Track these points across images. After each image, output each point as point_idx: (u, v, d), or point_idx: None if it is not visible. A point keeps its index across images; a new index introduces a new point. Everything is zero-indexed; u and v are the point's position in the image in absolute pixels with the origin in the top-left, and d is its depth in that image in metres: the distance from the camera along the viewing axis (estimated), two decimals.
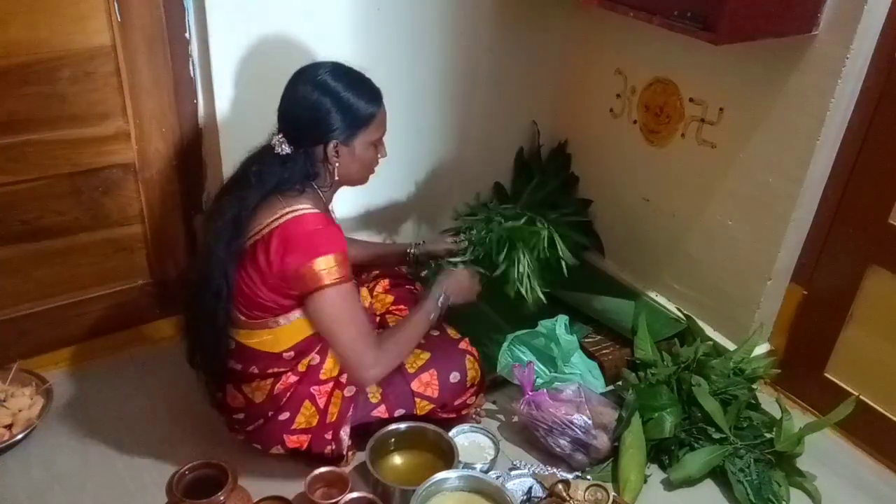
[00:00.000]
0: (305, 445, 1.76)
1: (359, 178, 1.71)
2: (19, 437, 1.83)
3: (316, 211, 1.58)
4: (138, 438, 1.91)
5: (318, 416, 1.73)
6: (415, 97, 2.24)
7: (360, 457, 1.81)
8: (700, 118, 2.12)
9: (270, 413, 1.71)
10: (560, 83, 2.54)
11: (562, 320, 2.05)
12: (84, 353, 2.14)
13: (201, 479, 1.55)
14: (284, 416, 1.72)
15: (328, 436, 1.75)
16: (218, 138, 2.01)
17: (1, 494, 1.74)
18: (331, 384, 1.74)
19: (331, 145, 1.58)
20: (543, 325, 2.05)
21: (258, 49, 1.95)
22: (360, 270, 2.04)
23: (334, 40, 2.05)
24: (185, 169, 2.09)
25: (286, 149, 1.58)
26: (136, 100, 1.93)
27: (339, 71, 1.59)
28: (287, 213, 1.55)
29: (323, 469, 1.72)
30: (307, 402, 1.72)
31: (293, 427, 1.73)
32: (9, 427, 1.86)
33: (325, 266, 1.54)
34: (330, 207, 1.73)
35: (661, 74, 2.21)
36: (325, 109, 1.55)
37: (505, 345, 2.05)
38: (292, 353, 1.68)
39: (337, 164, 1.61)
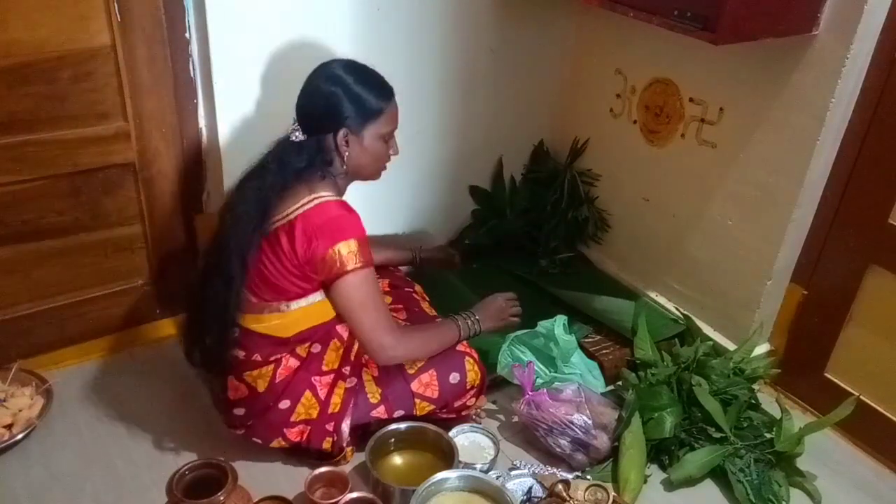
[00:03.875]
0: (305, 437, 1.77)
1: (369, 172, 1.76)
2: (19, 437, 1.83)
3: (337, 198, 1.66)
4: (138, 438, 1.91)
5: (318, 407, 1.75)
6: (415, 97, 2.23)
7: (360, 457, 1.81)
8: (700, 118, 2.12)
9: (271, 403, 1.73)
10: (560, 83, 2.54)
11: (560, 320, 2.04)
12: (84, 353, 2.14)
13: (201, 479, 1.55)
14: (285, 404, 1.73)
15: (329, 427, 1.77)
16: (218, 138, 2.01)
17: (1, 494, 1.74)
18: (332, 376, 1.77)
19: (340, 133, 1.64)
20: (543, 325, 2.05)
21: (258, 49, 1.95)
22: None
23: (334, 40, 2.05)
24: (185, 169, 2.09)
25: (300, 136, 1.65)
26: (136, 100, 1.93)
27: (352, 66, 1.68)
28: (311, 200, 1.62)
29: (323, 469, 1.73)
30: (308, 393, 1.74)
31: (293, 418, 1.74)
32: (9, 427, 1.86)
33: (347, 251, 1.61)
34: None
35: (661, 74, 2.21)
36: (336, 99, 1.62)
37: (505, 345, 2.05)
38: (297, 340, 1.73)
39: (346, 153, 1.66)
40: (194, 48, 1.95)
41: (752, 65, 1.95)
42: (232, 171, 2.06)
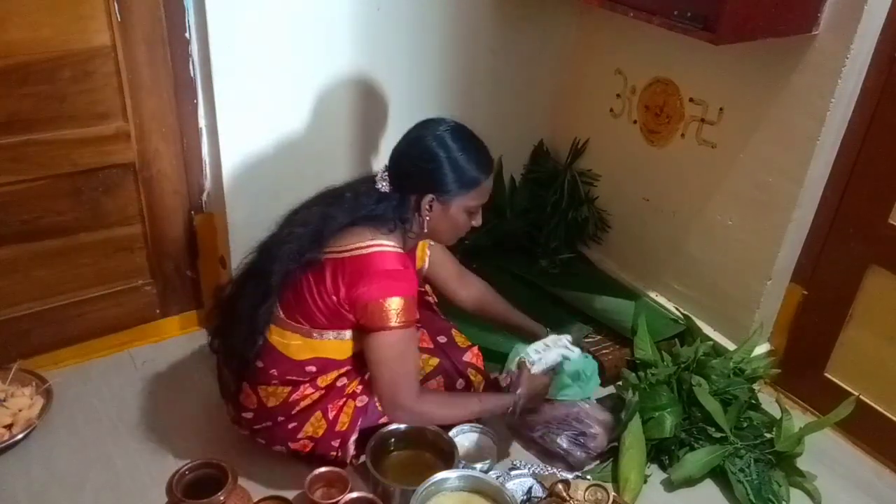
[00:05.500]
0: (309, 449, 1.76)
1: (446, 238, 1.73)
2: (19, 437, 1.83)
3: (399, 250, 1.61)
4: (139, 438, 1.91)
5: (325, 426, 1.74)
6: (414, 97, 2.24)
7: (360, 457, 1.81)
8: (700, 118, 2.12)
9: (280, 419, 1.73)
10: (560, 83, 2.54)
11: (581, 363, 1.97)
12: (84, 353, 2.14)
13: (201, 479, 1.55)
14: (292, 424, 1.73)
15: (335, 443, 1.75)
16: (217, 138, 2.01)
17: (1, 494, 1.74)
18: (345, 399, 1.75)
19: (427, 198, 1.60)
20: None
21: (258, 49, 1.95)
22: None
23: (334, 40, 2.05)
24: (185, 169, 2.08)
25: (386, 187, 1.61)
26: (136, 100, 1.93)
27: (460, 132, 1.62)
28: (370, 245, 1.58)
29: (323, 469, 1.72)
30: (318, 414, 1.73)
31: (299, 436, 1.74)
32: (9, 427, 1.86)
33: (395, 308, 1.57)
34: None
35: (661, 74, 2.21)
36: (436, 163, 1.57)
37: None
38: (314, 368, 1.71)
39: (427, 219, 1.63)
40: (194, 48, 1.95)
41: (752, 65, 1.95)
42: (232, 171, 2.07)
